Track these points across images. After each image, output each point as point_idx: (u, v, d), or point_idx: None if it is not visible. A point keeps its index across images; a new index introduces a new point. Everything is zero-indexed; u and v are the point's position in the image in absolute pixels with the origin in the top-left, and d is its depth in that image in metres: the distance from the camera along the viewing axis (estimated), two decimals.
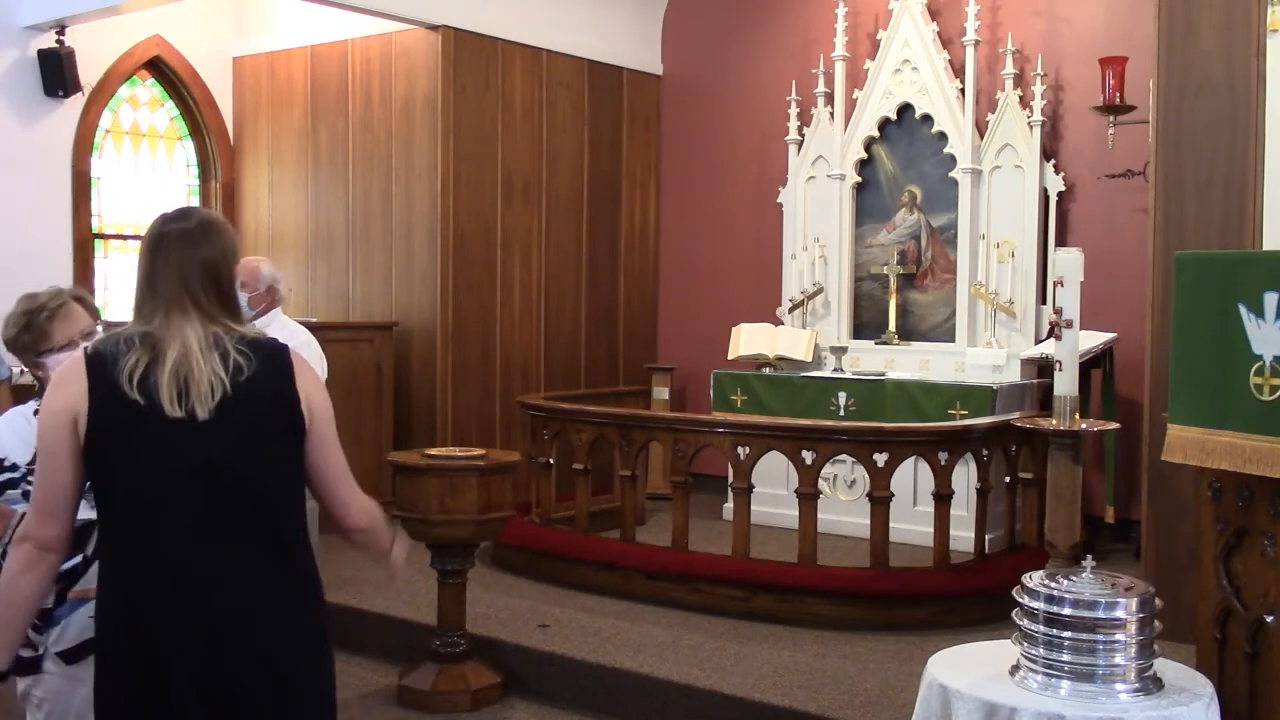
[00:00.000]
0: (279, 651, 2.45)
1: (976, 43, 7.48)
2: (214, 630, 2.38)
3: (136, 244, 8.27)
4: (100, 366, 2.39)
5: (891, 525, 5.73)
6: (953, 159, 7.51)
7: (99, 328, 3.09)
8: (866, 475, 5.81)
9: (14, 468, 2.95)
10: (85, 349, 2.45)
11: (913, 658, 4.89)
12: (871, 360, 7.70)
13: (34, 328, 3.06)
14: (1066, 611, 2.99)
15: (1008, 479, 6.17)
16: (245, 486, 2.41)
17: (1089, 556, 3.24)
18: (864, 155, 7.88)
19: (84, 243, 7.98)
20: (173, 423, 2.36)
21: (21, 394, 5.78)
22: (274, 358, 2.48)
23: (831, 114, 7.98)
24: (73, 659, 2.99)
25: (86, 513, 2.55)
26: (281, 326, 5.30)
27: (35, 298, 3.12)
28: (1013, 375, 7.19)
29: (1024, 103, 7.37)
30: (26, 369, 3.13)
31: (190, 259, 2.46)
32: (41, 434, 2.43)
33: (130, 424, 2.36)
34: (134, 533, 2.40)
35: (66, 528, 2.45)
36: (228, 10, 8.83)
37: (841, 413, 7.20)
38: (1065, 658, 2.98)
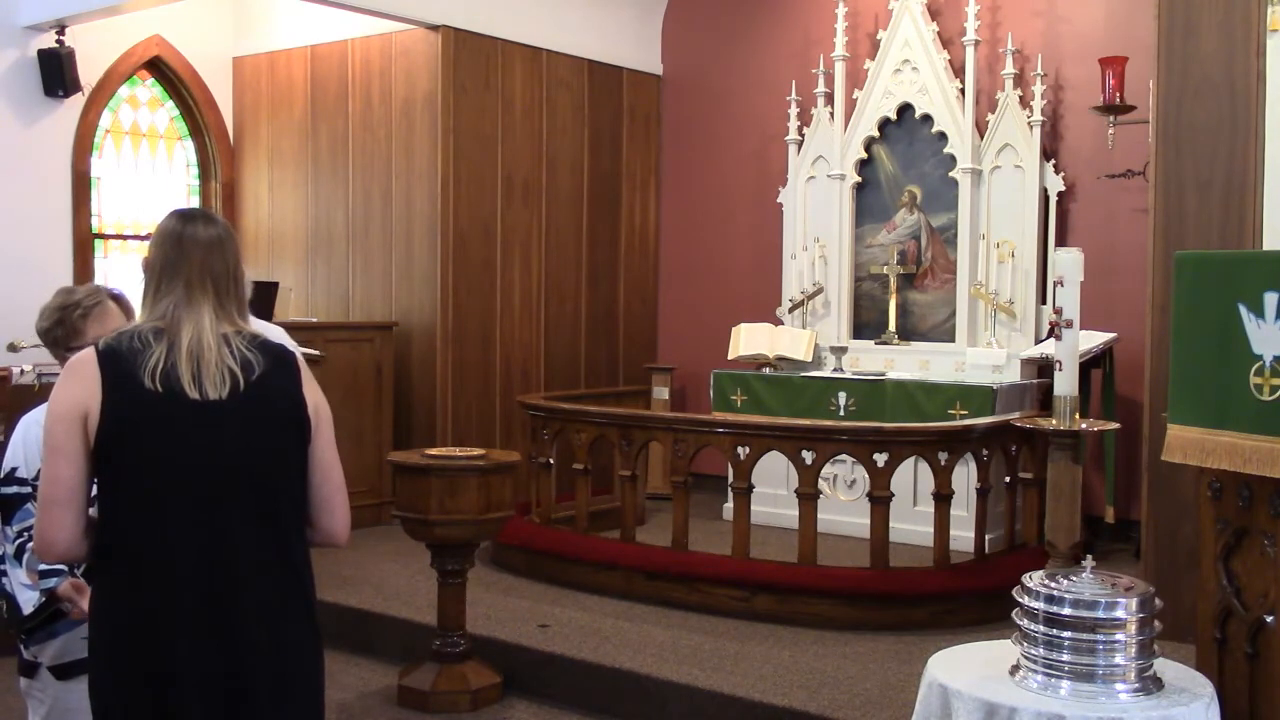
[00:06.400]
0: (278, 648, 2.45)
1: (976, 43, 7.48)
2: (224, 627, 2.38)
3: (136, 244, 8.31)
4: (115, 362, 2.38)
5: (891, 525, 5.73)
6: (953, 159, 7.51)
7: None
8: (866, 475, 5.81)
9: (22, 481, 2.92)
10: (97, 345, 2.43)
11: (913, 658, 4.88)
12: (871, 360, 7.70)
13: (67, 324, 3.05)
14: (1066, 611, 2.99)
15: (1008, 479, 6.17)
16: (253, 479, 2.42)
17: (1089, 556, 3.24)
18: (864, 155, 7.87)
19: (84, 243, 7.97)
20: (189, 406, 2.37)
21: (22, 394, 5.78)
22: (282, 361, 2.52)
23: (831, 114, 7.98)
24: (62, 675, 2.99)
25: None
26: (265, 329, 5.27)
27: (72, 293, 3.11)
28: (1013, 375, 7.18)
29: (1024, 103, 7.36)
30: (56, 362, 3.09)
31: (216, 260, 2.49)
32: (49, 429, 2.38)
33: (148, 416, 2.36)
34: (141, 526, 2.37)
35: (73, 529, 2.37)
36: (228, 10, 8.82)
37: (841, 413, 7.20)
38: (1065, 658, 2.98)
